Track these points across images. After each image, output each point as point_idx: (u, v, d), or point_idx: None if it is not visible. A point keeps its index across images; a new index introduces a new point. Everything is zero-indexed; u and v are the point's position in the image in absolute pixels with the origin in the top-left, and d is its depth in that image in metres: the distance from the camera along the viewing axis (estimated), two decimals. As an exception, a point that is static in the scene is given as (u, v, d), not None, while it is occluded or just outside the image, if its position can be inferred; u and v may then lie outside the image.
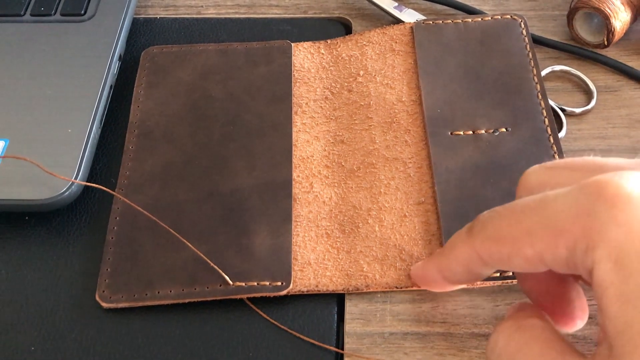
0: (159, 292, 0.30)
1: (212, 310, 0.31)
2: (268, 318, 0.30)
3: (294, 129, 0.36)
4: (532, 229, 0.22)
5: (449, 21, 0.39)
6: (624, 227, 0.19)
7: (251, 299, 0.31)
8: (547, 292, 0.26)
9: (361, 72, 0.38)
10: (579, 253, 0.21)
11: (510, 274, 0.30)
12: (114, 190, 0.34)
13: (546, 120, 0.35)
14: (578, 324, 0.26)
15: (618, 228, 0.20)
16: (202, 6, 0.44)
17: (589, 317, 0.26)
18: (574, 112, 0.37)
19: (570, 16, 0.40)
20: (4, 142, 0.34)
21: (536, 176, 0.25)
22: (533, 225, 0.22)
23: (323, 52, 0.40)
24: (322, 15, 0.43)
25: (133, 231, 0.32)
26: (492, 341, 0.24)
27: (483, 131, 0.35)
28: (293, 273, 0.31)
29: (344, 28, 0.43)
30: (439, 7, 0.43)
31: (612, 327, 0.19)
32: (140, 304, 0.30)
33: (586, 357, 0.21)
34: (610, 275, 0.19)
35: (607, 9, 0.37)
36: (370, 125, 0.36)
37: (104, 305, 0.30)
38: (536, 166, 0.26)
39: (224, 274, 0.30)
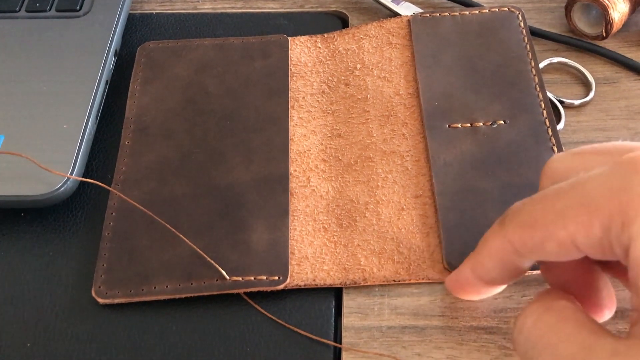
0: (155, 288, 0.30)
1: (209, 305, 0.30)
2: (265, 313, 0.30)
3: (291, 123, 0.36)
4: (565, 210, 0.21)
5: (446, 14, 0.39)
6: None
7: (248, 294, 0.30)
8: (575, 282, 0.25)
9: (358, 66, 0.38)
10: (615, 231, 0.20)
11: None
12: (109, 186, 0.33)
13: (544, 112, 0.34)
14: (606, 314, 0.26)
15: None
16: (198, 1, 0.44)
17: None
18: (572, 104, 0.37)
19: (569, 8, 0.39)
20: (-1, 138, 0.34)
21: (562, 163, 0.25)
22: (567, 206, 0.21)
23: (320, 46, 0.40)
24: (319, 9, 0.43)
25: (129, 227, 0.32)
26: (520, 323, 0.23)
27: (481, 124, 0.34)
28: (290, 267, 0.31)
29: (341, 22, 0.42)
30: (436, 0, 0.42)
31: None
32: (136, 299, 0.30)
33: (619, 338, 0.20)
34: None
35: (605, 0, 0.37)
36: (368, 119, 0.36)
37: (100, 301, 0.30)
38: (561, 153, 0.25)
39: (220, 269, 0.30)
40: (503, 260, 0.25)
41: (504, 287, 0.29)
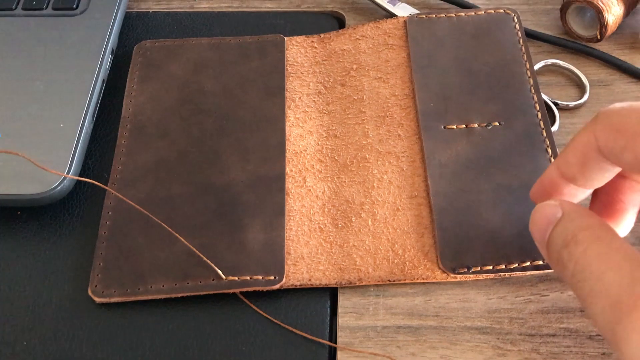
0: (151, 287, 0.30)
1: (205, 304, 0.31)
2: (261, 312, 0.30)
3: (287, 123, 0.36)
4: None
5: (442, 15, 0.39)
6: None
7: (244, 293, 0.31)
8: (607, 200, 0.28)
9: (354, 67, 0.38)
10: None
11: (541, 262, 0.30)
12: (106, 185, 0.34)
13: (539, 114, 0.35)
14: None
15: None
16: (194, 0, 0.44)
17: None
18: (567, 106, 0.37)
19: (563, 10, 0.40)
20: (-5, 137, 0.34)
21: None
22: None
23: (316, 46, 0.40)
24: (316, 9, 0.43)
25: (126, 226, 0.32)
26: (571, 249, 0.24)
27: (476, 125, 0.35)
28: (286, 267, 0.31)
29: (338, 22, 0.43)
30: (432, 1, 0.43)
31: None
32: (132, 298, 0.30)
33: None
34: None
35: (600, 2, 0.37)
36: (364, 120, 0.36)
37: (97, 300, 0.30)
38: (625, 104, 0.25)
39: (217, 268, 0.30)
40: (585, 155, 0.25)
41: (585, 194, 0.28)
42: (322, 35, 0.40)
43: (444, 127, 0.35)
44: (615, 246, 0.23)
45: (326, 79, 0.38)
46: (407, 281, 0.31)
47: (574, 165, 0.26)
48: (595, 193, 0.29)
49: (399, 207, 0.33)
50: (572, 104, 0.37)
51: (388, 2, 0.42)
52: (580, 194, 0.28)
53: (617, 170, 0.26)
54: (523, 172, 0.33)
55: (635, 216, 0.28)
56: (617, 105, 0.24)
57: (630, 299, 0.20)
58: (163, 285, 0.30)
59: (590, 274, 0.22)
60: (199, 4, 0.44)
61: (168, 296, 0.30)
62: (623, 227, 0.28)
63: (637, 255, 0.22)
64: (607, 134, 0.24)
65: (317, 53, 0.39)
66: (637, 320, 0.20)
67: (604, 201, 0.28)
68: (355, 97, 0.37)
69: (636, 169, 0.23)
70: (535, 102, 0.35)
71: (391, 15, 0.41)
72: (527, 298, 0.30)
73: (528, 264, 0.30)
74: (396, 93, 0.37)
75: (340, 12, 0.43)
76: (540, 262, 0.30)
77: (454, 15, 0.39)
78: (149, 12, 0.43)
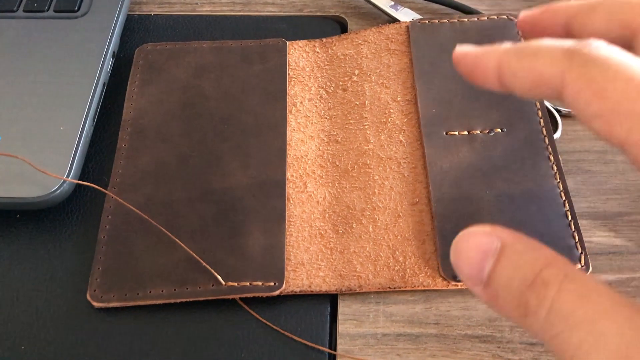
0: (150, 292, 0.30)
1: (204, 310, 0.30)
2: (260, 318, 0.30)
3: (289, 128, 0.36)
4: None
5: (445, 21, 0.39)
6: None
7: (244, 299, 0.30)
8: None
9: (356, 72, 0.38)
10: None
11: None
12: (106, 189, 0.33)
13: (541, 121, 0.35)
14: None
15: None
16: (197, 3, 0.44)
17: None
18: (569, 113, 0.37)
19: (567, 16, 0.39)
20: (-5, 140, 0.34)
21: None
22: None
23: (318, 50, 0.40)
24: (318, 14, 0.43)
25: (125, 230, 0.32)
26: (539, 293, 0.19)
27: (478, 131, 0.35)
28: (286, 273, 0.31)
29: (340, 27, 0.42)
30: (435, 6, 0.43)
31: None
32: (131, 303, 0.30)
33: None
34: None
35: (603, 9, 0.37)
36: (365, 125, 0.36)
37: (96, 304, 0.30)
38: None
39: (216, 274, 0.30)
40: (540, 85, 0.21)
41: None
42: (324, 39, 0.40)
43: (446, 133, 0.35)
44: (591, 285, 0.18)
45: (328, 83, 0.38)
46: (407, 288, 0.30)
47: (521, 82, 0.22)
48: None
49: (400, 214, 0.33)
50: (574, 111, 0.37)
51: (390, 7, 0.41)
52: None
53: None
54: (525, 179, 0.33)
55: None
56: (600, 53, 0.20)
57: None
58: (162, 291, 0.30)
59: (576, 323, 0.18)
60: (201, 7, 0.44)
61: (167, 301, 0.30)
62: None
63: (619, 296, 0.18)
64: (580, 90, 0.20)
65: (319, 57, 0.39)
66: None
67: None
68: (357, 102, 0.37)
69: (603, 137, 0.20)
70: (538, 109, 0.35)
71: (393, 20, 0.41)
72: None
73: (529, 272, 0.30)
74: (398, 98, 0.37)
75: (343, 16, 0.43)
76: (542, 271, 0.30)
77: (456, 20, 0.39)
78: (150, 15, 0.43)
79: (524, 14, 0.26)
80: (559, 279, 0.19)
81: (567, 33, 0.25)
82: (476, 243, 0.21)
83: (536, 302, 0.19)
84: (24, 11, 0.40)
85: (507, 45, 0.22)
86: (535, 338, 0.19)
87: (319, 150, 0.35)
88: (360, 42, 0.39)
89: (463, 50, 0.23)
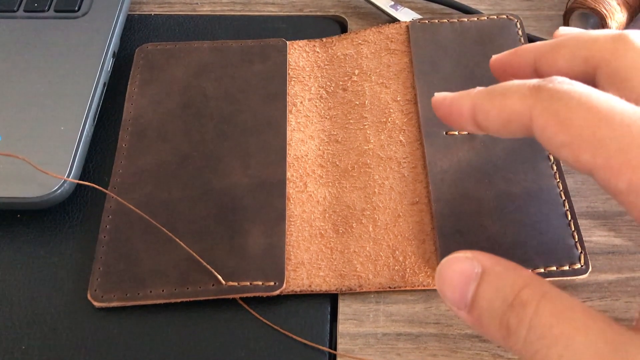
0: (151, 292, 0.30)
1: (205, 310, 0.30)
2: (261, 318, 0.30)
3: (289, 128, 0.36)
4: (611, 155, 0.20)
5: (445, 20, 0.39)
6: None
7: (244, 299, 0.31)
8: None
9: (356, 71, 0.38)
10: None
11: (542, 270, 0.30)
12: (106, 189, 0.33)
13: (541, 120, 0.35)
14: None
15: None
16: (197, 3, 0.44)
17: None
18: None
19: (567, 16, 0.40)
20: (-4, 139, 0.34)
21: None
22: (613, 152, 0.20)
23: (318, 50, 0.40)
24: (318, 14, 0.43)
25: (126, 230, 0.32)
26: (518, 312, 0.20)
27: (478, 131, 0.35)
28: (286, 273, 0.31)
29: (340, 26, 0.43)
30: (435, 6, 0.43)
31: None
32: (132, 303, 0.30)
33: (634, 329, 0.19)
34: None
35: (603, 9, 0.37)
36: (365, 125, 0.36)
37: (96, 304, 0.30)
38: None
39: (216, 274, 0.30)
40: (511, 122, 0.23)
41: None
42: (324, 39, 0.40)
43: (446, 133, 0.35)
44: (567, 303, 0.20)
45: (328, 83, 0.38)
46: (407, 288, 0.31)
47: (494, 123, 0.24)
48: None
49: (400, 214, 0.33)
50: (574, 110, 0.37)
51: (391, 7, 0.42)
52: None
53: None
54: (524, 178, 0.33)
55: None
56: (563, 88, 0.22)
57: None
58: (163, 290, 0.30)
59: (553, 340, 0.19)
60: (201, 7, 0.44)
61: (167, 301, 0.30)
62: None
63: (593, 311, 0.19)
64: (547, 122, 0.21)
65: (319, 57, 0.39)
66: None
67: None
68: (357, 102, 0.37)
69: (571, 165, 0.21)
70: (538, 109, 0.35)
71: (393, 20, 0.41)
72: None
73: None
74: (398, 98, 0.37)
75: (343, 16, 0.43)
76: (541, 270, 0.30)
77: (456, 20, 0.39)
78: (150, 15, 0.43)
79: (494, 58, 0.28)
80: (536, 298, 0.20)
81: (536, 72, 0.26)
82: (459, 269, 0.22)
83: (516, 322, 0.20)
84: (25, 11, 0.40)
85: (479, 88, 0.24)
86: (520, 358, 0.20)
87: (319, 150, 0.35)
88: (360, 42, 0.39)
89: (440, 95, 0.26)
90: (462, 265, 0.22)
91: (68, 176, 0.33)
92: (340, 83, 0.38)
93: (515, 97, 0.23)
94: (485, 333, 0.22)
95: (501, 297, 0.21)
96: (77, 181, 0.33)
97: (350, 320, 0.30)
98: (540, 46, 0.26)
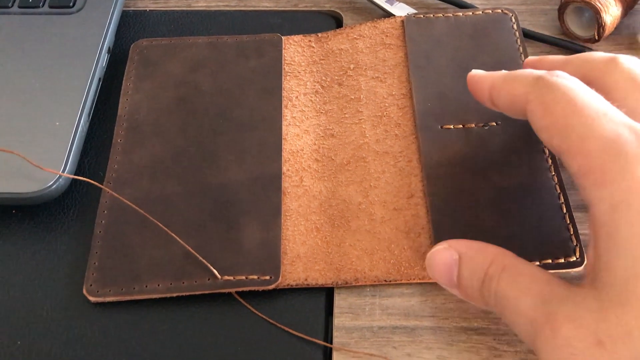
0: (147, 286, 0.30)
1: (201, 304, 0.30)
2: (256, 312, 0.30)
3: (284, 123, 0.36)
4: (592, 151, 0.23)
5: (440, 15, 0.39)
6: None
7: (240, 293, 0.31)
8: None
9: (352, 66, 0.38)
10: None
11: (537, 263, 0.30)
12: (102, 184, 0.33)
13: (536, 114, 0.35)
14: None
15: None
16: (192, -1, 0.44)
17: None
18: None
19: (561, 10, 0.40)
20: (-10, 135, 0.34)
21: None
22: (596, 153, 0.23)
23: (314, 45, 0.40)
24: (313, 9, 0.43)
25: (121, 225, 0.32)
26: (487, 285, 0.26)
27: (473, 125, 0.35)
28: (282, 267, 0.31)
29: (335, 21, 0.43)
30: (430, 1, 0.43)
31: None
32: (128, 298, 0.30)
33: (572, 285, 0.24)
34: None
35: (597, 3, 0.37)
36: (361, 119, 0.36)
37: (92, 299, 0.30)
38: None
39: (212, 268, 0.30)
40: (514, 104, 0.27)
41: None
42: (319, 34, 0.40)
43: (441, 127, 0.35)
44: (520, 270, 0.25)
45: (323, 78, 0.38)
46: (403, 281, 0.31)
47: (504, 100, 0.28)
48: None
49: (396, 207, 0.33)
50: (569, 104, 0.37)
51: (386, 1, 0.42)
52: None
53: None
54: (520, 172, 0.33)
55: None
56: (558, 81, 0.25)
57: (542, 317, 0.23)
58: (158, 285, 0.30)
59: (507, 302, 0.25)
60: (196, 2, 0.44)
61: (163, 296, 0.30)
62: None
63: (540, 274, 0.25)
64: (535, 107, 0.26)
65: (314, 52, 0.39)
66: (548, 333, 0.23)
67: None
68: (353, 97, 0.37)
69: (548, 147, 0.26)
70: (533, 103, 0.35)
71: (389, 14, 0.41)
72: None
73: (525, 264, 0.30)
74: (393, 93, 0.37)
75: (338, 11, 0.43)
76: (537, 263, 0.30)
77: (451, 15, 0.39)
78: (145, 10, 0.43)
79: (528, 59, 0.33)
80: (497, 272, 0.25)
81: None
82: (441, 260, 0.28)
83: (487, 294, 0.26)
84: (19, 7, 0.40)
85: (502, 71, 0.29)
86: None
87: (315, 144, 0.35)
88: (355, 36, 0.39)
89: (475, 72, 0.31)
90: (443, 256, 0.28)
91: (63, 171, 0.33)
92: (336, 78, 0.38)
93: (521, 83, 0.27)
94: (473, 303, 0.27)
95: (476, 277, 0.26)
96: (72, 176, 0.33)
97: (346, 313, 0.30)
98: (555, 59, 0.31)
